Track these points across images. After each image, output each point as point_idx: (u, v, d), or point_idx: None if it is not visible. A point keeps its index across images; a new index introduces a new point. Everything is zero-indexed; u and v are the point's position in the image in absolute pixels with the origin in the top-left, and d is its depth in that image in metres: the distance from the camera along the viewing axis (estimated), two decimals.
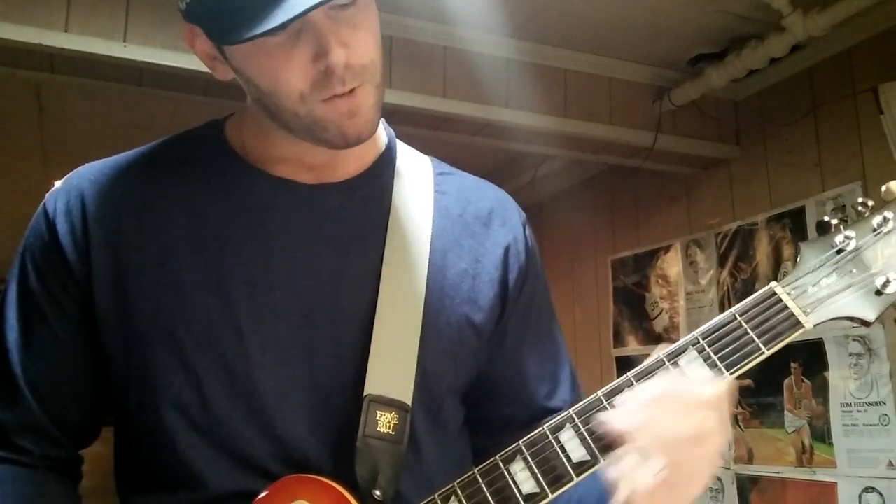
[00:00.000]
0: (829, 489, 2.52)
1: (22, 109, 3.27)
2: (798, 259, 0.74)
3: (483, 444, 0.93)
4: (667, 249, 3.38)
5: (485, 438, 0.93)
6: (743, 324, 0.74)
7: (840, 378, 2.53)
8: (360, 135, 0.78)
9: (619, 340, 3.63)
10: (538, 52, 2.75)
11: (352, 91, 0.75)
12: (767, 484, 2.76)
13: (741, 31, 2.61)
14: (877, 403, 2.41)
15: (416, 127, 2.67)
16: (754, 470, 2.82)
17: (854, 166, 2.55)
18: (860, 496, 2.43)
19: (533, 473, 0.72)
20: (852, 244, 0.73)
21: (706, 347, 0.73)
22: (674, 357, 0.74)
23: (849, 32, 2.51)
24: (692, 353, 0.73)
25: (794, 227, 2.75)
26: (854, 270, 0.72)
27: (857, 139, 2.55)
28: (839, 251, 0.73)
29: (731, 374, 0.73)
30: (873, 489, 2.39)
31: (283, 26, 0.67)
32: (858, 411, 2.46)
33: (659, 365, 0.73)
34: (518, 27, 2.62)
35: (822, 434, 2.57)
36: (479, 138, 2.93)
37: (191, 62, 2.20)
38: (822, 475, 2.55)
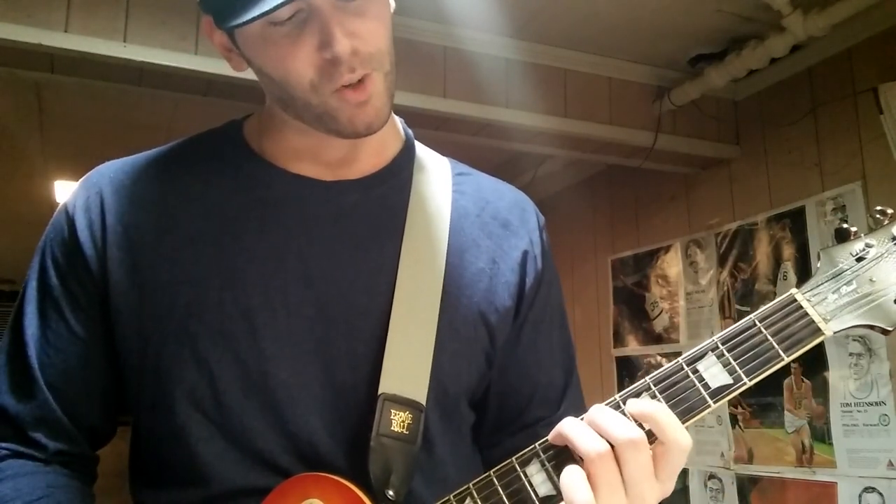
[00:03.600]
0: (829, 489, 2.52)
1: (22, 109, 3.27)
2: (818, 265, 0.74)
3: (488, 451, 0.93)
4: (667, 249, 3.38)
5: (489, 445, 0.93)
6: (763, 330, 0.73)
7: (840, 378, 2.53)
8: (371, 124, 0.78)
9: (619, 340, 3.63)
10: (538, 52, 2.75)
11: (361, 80, 0.75)
12: (767, 484, 2.76)
13: (741, 31, 2.61)
14: (877, 403, 2.41)
15: (416, 127, 2.66)
16: (754, 470, 2.82)
17: (854, 166, 2.55)
18: (860, 496, 2.43)
19: (549, 476, 0.71)
20: (872, 252, 0.73)
21: (725, 353, 0.73)
22: (693, 362, 0.73)
23: (849, 32, 2.51)
24: (711, 358, 0.73)
25: (794, 227, 2.75)
26: (874, 279, 0.72)
27: (857, 139, 2.55)
28: (859, 259, 0.73)
29: (751, 380, 0.72)
30: (873, 489, 2.39)
31: (279, 7, 0.68)
32: (858, 411, 2.46)
33: (678, 370, 0.73)
34: (518, 27, 2.62)
35: (822, 434, 2.57)
36: (479, 138, 2.93)
37: (191, 62, 2.18)
38: (822, 475, 2.55)
